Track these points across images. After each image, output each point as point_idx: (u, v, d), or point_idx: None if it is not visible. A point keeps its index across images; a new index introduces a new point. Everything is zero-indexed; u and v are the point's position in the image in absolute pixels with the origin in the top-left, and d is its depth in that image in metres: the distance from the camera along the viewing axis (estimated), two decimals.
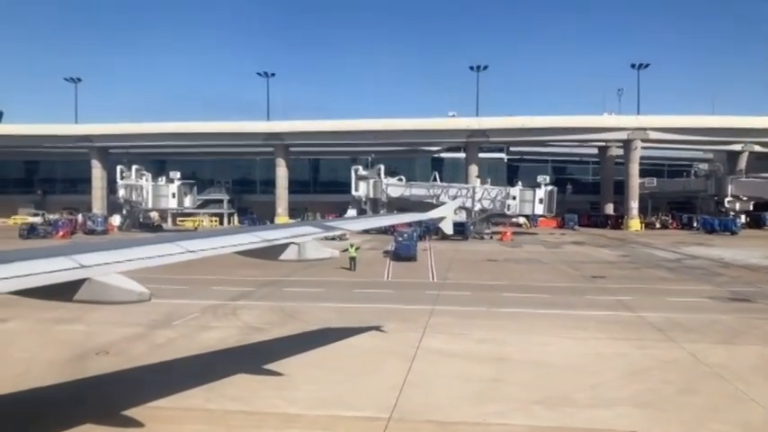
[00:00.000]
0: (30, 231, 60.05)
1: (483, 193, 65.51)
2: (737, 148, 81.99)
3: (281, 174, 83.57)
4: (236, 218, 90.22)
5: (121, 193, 74.41)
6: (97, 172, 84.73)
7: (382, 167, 74.29)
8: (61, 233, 61.86)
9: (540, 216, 72.30)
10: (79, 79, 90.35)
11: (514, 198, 65.27)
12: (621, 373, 13.44)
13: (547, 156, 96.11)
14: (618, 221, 78.26)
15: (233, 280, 27.40)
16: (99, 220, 69.82)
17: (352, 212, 70.27)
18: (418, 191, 71.18)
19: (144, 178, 73.84)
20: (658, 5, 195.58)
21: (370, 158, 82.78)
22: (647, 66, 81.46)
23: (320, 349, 15.50)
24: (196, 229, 73.09)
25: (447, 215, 15.15)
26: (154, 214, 77.93)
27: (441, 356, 14.84)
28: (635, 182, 77.21)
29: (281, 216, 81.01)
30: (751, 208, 76.61)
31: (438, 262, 37.40)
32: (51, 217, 76.07)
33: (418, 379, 12.88)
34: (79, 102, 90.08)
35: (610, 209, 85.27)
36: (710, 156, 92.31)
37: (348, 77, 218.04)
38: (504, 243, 55.13)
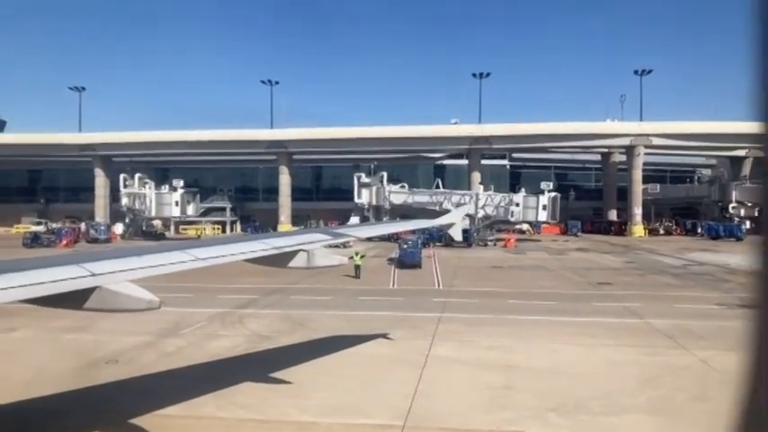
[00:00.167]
0: (33, 240, 60.14)
1: (486, 200, 65.49)
2: (741, 153, 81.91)
3: (284, 181, 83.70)
4: (238, 226, 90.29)
5: (124, 201, 74.56)
6: (100, 180, 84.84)
7: (385, 175, 74.28)
8: (64, 242, 61.93)
9: (544, 223, 72.14)
10: (83, 88, 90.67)
11: (518, 205, 65.23)
12: (634, 381, 13.37)
13: (549, 162, 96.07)
14: (621, 228, 78.14)
15: (238, 288, 27.38)
16: (102, 228, 69.91)
17: (354, 220, 70.25)
18: (421, 198, 71.15)
19: (147, 186, 74.01)
20: (660, 11, 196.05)
21: (372, 166, 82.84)
22: (649, 72, 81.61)
23: (329, 357, 15.46)
24: (199, 237, 73.15)
25: (456, 222, 15.14)
26: (157, 222, 78.03)
27: (451, 364, 14.79)
28: (638, 188, 77.13)
29: (284, 224, 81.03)
30: (756, 214, 76.39)
31: (443, 269, 37.35)
32: (54, 226, 76.18)
33: (430, 386, 12.83)
34: (83, 111, 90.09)
35: (613, 215, 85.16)
36: (714, 161, 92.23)
37: (350, 85, 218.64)
38: (508, 250, 55.10)
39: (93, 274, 6.57)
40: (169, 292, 22.20)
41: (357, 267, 32.09)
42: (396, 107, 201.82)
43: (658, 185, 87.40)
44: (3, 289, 5.75)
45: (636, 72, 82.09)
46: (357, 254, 32.16)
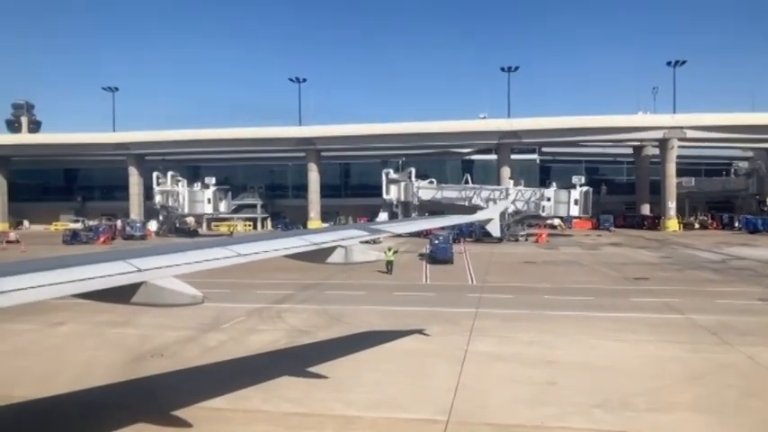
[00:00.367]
0: (72, 237, 61.96)
1: (517, 195, 64.90)
2: None
3: (314, 178, 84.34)
4: (269, 222, 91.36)
5: (158, 199, 76.08)
6: (134, 179, 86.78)
7: (413, 170, 74.08)
8: (102, 239, 63.57)
9: (575, 217, 71.13)
10: (117, 88, 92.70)
11: (549, 199, 64.40)
12: (679, 377, 13.16)
13: (580, 156, 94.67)
14: (655, 222, 76.69)
15: (273, 283, 27.70)
16: (138, 225, 71.65)
17: (383, 216, 70.42)
18: (450, 193, 70.80)
19: (180, 184, 75.38)
20: (693, 2, 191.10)
21: (400, 162, 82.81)
22: (683, 63, 79.79)
23: (368, 351, 15.57)
24: (231, 233, 74.23)
25: (495, 217, 15.03)
26: (190, 219, 79.49)
27: (491, 359, 14.75)
28: (672, 182, 75.60)
29: (314, 220, 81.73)
30: None
31: (475, 265, 37.19)
32: (90, 223, 78.24)
33: (471, 381, 12.84)
34: (116, 110, 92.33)
35: (646, 209, 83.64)
36: (750, 154, 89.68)
37: (378, 81, 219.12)
38: (540, 245, 54.57)
39: (140, 270, 6.80)
40: (206, 287, 22.35)
41: (389, 263, 32.16)
42: (424, 102, 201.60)
43: (693, 179, 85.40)
44: (57, 284, 5.99)
45: (669, 63, 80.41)
46: (389, 249, 32.23)
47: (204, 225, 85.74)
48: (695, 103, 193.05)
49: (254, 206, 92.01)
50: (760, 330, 17.82)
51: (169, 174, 76.60)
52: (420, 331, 17.76)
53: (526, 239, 59.89)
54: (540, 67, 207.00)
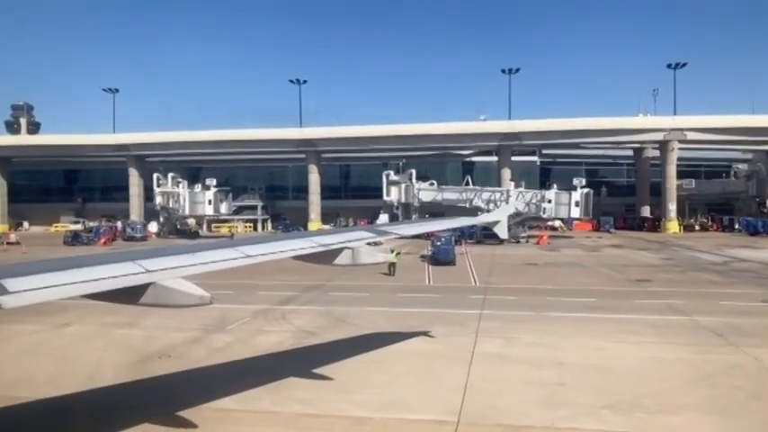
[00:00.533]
0: (74, 238, 61.99)
1: (518, 197, 64.93)
2: None
3: (314, 180, 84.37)
4: (269, 224, 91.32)
5: (158, 200, 76.08)
6: (134, 180, 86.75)
7: (413, 172, 74.08)
8: (103, 240, 63.58)
9: (576, 219, 71.22)
10: (117, 90, 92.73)
11: (550, 201, 64.48)
12: (686, 379, 13.19)
13: (580, 158, 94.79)
14: (655, 224, 76.79)
15: (276, 285, 27.70)
16: (138, 227, 71.59)
17: (383, 217, 70.43)
18: (450, 195, 70.84)
19: (180, 185, 75.39)
20: (693, 4, 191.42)
21: (401, 163, 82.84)
22: (683, 65, 79.96)
23: (375, 353, 15.58)
24: (232, 235, 74.20)
25: (502, 219, 15.07)
26: (191, 221, 79.40)
27: (498, 361, 14.77)
28: (672, 183, 75.72)
29: (314, 221, 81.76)
30: None
31: (477, 266, 37.21)
32: (91, 224, 78.19)
33: (480, 383, 12.85)
34: (116, 112, 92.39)
35: (646, 211, 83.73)
36: (750, 156, 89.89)
37: (378, 82, 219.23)
38: (542, 247, 54.63)
39: (148, 271, 6.82)
40: (209, 288, 22.48)
41: (392, 265, 32.14)
42: (424, 104, 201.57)
43: (693, 181, 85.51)
44: (68, 284, 6.01)
45: (669, 66, 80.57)
46: (392, 251, 32.24)
47: (204, 226, 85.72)
48: (696, 105, 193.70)
49: (255, 208, 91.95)
50: (765, 332, 17.86)
51: (169, 175, 76.60)
52: (426, 333, 17.78)
53: (527, 241, 59.95)
54: (541, 69, 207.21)
